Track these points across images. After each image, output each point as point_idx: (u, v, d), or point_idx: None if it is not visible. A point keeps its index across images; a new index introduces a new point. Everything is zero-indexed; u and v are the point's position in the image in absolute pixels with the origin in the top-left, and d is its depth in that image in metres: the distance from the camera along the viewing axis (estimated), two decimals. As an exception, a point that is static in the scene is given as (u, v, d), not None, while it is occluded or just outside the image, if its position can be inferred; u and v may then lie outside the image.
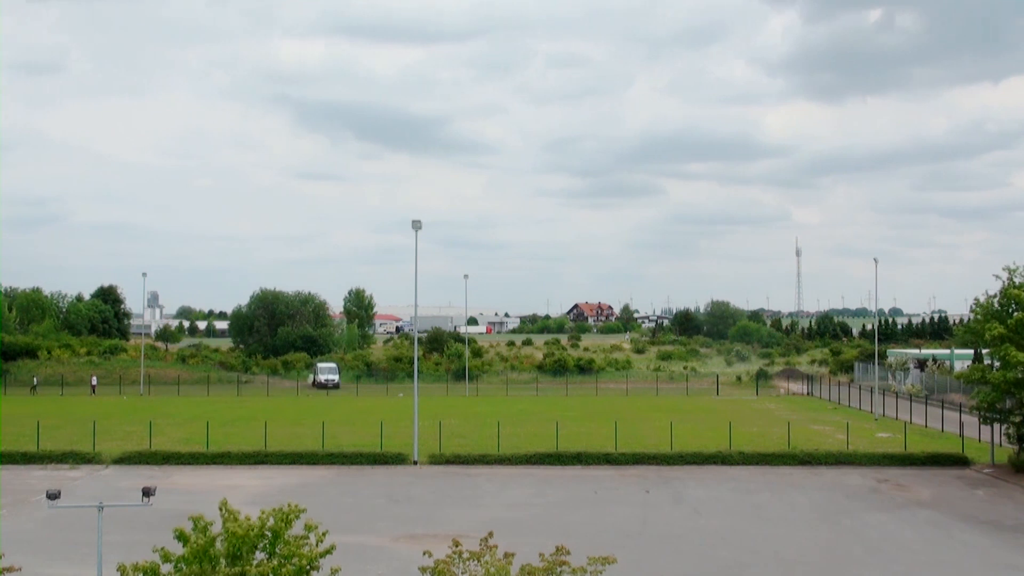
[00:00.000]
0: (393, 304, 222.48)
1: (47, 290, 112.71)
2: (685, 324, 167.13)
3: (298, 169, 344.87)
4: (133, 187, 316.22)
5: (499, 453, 38.63)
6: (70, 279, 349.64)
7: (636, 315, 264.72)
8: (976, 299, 39.10)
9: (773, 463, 37.58)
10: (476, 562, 14.07)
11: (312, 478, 34.71)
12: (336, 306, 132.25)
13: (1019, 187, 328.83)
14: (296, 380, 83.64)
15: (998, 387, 35.70)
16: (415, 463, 37.62)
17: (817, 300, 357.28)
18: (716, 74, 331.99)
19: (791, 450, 39.19)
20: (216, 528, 13.33)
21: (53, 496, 15.60)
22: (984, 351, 44.28)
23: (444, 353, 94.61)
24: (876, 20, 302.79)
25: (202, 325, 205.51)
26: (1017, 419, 36.25)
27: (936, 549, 24.71)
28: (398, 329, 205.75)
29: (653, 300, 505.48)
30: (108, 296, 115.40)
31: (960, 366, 71.11)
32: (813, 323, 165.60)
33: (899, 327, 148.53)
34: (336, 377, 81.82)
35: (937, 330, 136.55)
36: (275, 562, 13.07)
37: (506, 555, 14.33)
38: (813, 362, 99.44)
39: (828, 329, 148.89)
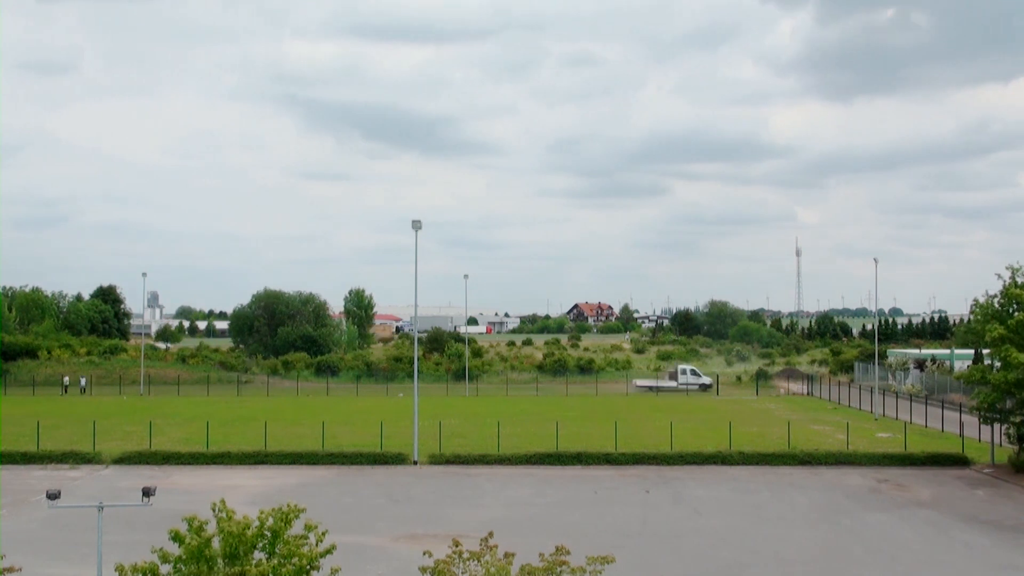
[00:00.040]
0: (393, 304, 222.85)
1: (47, 290, 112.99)
2: (685, 324, 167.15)
3: (303, 169, 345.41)
4: (139, 187, 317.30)
5: (499, 453, 38.63)
6: (74, 279, 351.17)
7: (636, 315, 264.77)
8: (976, 299, 39.13)
9: (773, 463, 37.58)
10: (476, 562, 14.07)
11: (312, 478, 34.71)
12: (336, 306, 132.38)
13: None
14: (296, 380, 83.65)
15: (998, 387, 35.68)
16: (415, 463, 37.62)
17: (817, 300, 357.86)
18: (725, 75, 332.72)
19: (791, 450, 39.19)
20: (211, 528, 13.33)
21: (53, 496, 15.61)
22: (984, 351, 44.31)
23: (444, 353, 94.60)
24: (886, 20, 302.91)
25: (202, 325, 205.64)
26: (1017, 419, 36.24)
27: (936, 549, 24.71)
28: (398, 329, 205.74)
29: (653, 300, 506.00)
30: (108, 296, 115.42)
31: (960, 366, 71.15)
32: (813, 323, 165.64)
33: (899, 327, 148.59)
34: None
35: (937, 330, 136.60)
36: (275, 562, 13.08)
37: (506, 555, 14.34)
38: (813, 362, 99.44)
39: (828, 329, 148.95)
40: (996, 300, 37.64)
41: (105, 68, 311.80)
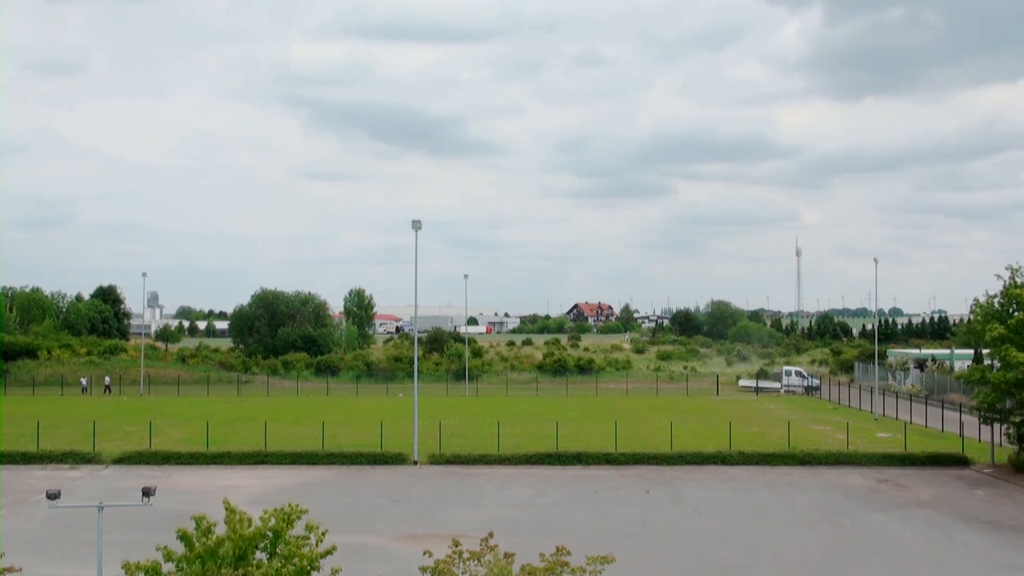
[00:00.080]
0: (393, 304, 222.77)
1: (47, 290, 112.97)
2: (685, 324, 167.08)
3: (307, 169, 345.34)
4: (142, 188, 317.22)
5: (499, 453, 38.63)
6: (74, 279, 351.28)
7: (636, 315, 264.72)
8: (976, 299, 39.10)
9: (773, 463, 37.59)
10: (477, 562, 14.07)
11: (312, 478, 34.72)
12: (336, 306, 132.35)
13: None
14: (296, 380, 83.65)
15: (998, 387, 35.68)
16: (415, 463, 37.62)
17: (817, 300, 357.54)
18: (732, 75, 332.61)
19: (791, 450, 39.19)
20: (220, 528, 13.31)
21: (53, 496, 15.61)
22: (984, 351, 44.28)
23: (444, 353, 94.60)
24: (894, 21, 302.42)
25: (202, 325, 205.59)
26: (1017, 419, 36.24)
27: (936, 549, 24.71)
28: (398, 329, 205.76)
29: (653, 300, 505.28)
30: (108, 296, 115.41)
31: (960, 366, 71.15)
32: (813, 323, 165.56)
33: (899, 327, 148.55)
34: None
35: (937, 330, 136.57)
36: (277, 563, 13.06)
37: (507, 555, 14.33)
38: (813, 362, 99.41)
39: (828, 329, 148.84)
40: (996, 300, 37.64)
41: (112, 68, 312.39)
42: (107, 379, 76.90)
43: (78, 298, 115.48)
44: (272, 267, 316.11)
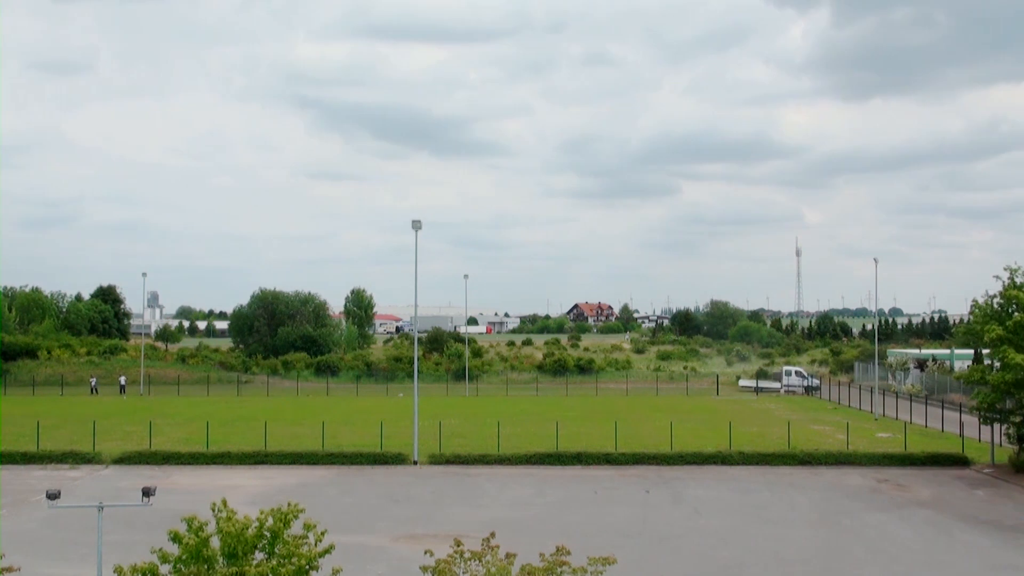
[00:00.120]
0: (393, 304, 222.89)
1: (46, 290, 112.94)
2: (685, 324, 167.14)
3: (311, 169, 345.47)
4: (145, 188, 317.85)
5: (499, 453, 38.63)
6: (75, 279, 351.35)
7: (636, 315, 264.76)
8: (975, 300, 39.11)
9: (773, 463, 37.58)
10: (477, 562, 14.07)
11: (312, 478, 34.71)
12: (337, 306, 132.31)
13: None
14: (296, 380, 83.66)
15: (998, 388, 35.69)
16: (415, 463, 37.62)
17: (817, 300, 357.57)
18: (738, 76, 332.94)
19: (791, 450, 39.18)
20: (212, 528, 13.33)
21: (53, 496, 15.60)
22: (984, 352, 44.29)
23: (444, 353, 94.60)
24: (901, 21, 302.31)
25: (202, 325, 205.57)
26: (1017, 419, 36.24)
27: (936, 549, 24.71)
28: (398, 329, 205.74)
29: (653, 300, 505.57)
30: (108, 296, 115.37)
31: (960, 366, 71.15)
32: (813, 323, 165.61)
33: (899, 327, 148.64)
34: None
35: (937, 330, 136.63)
36: (274, 562, 13.07)
37: (507, 555, 14.33)
38: (813, 362, 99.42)
39: (828, 329, 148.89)
40: (995, 301, 37.64)
41: (118, 68, 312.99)
42: (123, 379, 76.59)
43: (78, 298, 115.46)
44: (273, 267, 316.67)
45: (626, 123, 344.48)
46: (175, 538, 13.19)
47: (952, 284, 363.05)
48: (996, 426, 37.90)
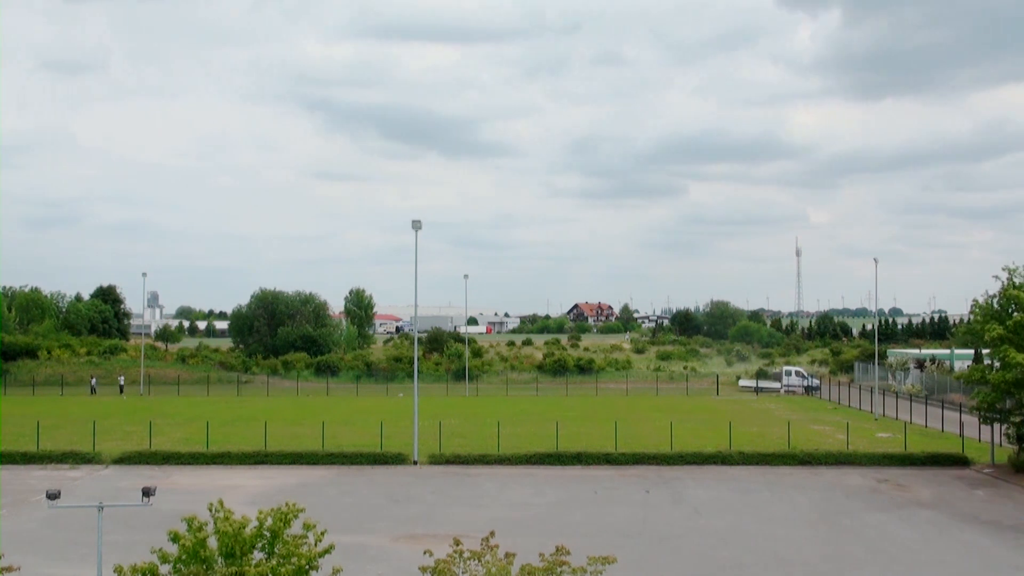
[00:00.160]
0: (393, 304, 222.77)
1: (46, 290, 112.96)
2: (685, 324, 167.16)
3: (318, 169, 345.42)
4: (147, 188, 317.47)
5: (499, 453, 38.62)
6: (75, 279, 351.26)
7: (636, 315, 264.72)
8: (975, 300, 39.11)
9: (773, 463, 37.58)
10: (477, 562, 14.07)
11: (312, 478, 34.71)
12: (337, 306, 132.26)
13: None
14: (296, 380, 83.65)
15: (998, 387, 35.69)
16: (415, 463, 37.62)
17: (817, 300, 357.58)
18: (747, 77, 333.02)
19: (791, 450, 39.18)
20: (211, 528, 13.34)
21: (53, 496, 15.60)
22: (984, 351, 44.29)
23: (444, 353, 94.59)
24: (911, 21, 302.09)
25: (202, 325, 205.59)
26: (1017, 419, 36.24)
27: (936, 549, 24.71)
28: (398, 329, 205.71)
29: (653, 300, 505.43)
30: (108, 296, 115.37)
31: (960, 366, 71.17)
32: (813, 323, 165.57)
33: (899, 327, 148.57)
34: None
35: (937, 330, 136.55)
36: (273, 562, 13.08)
37: (507, 555, 14.34)
38: (813, 362, 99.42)
39: (828, 329, 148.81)
40: (995, 301, 37.65)
41: (130, 69, 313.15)
42: (121, 379, 76.63)
43: (78, 298, 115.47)
44: (273, 267, 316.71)
45: (634, 123, 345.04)
46: (174, 538, 13.21)
47: (952, 284, 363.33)
48: (996, 426, 37.90)
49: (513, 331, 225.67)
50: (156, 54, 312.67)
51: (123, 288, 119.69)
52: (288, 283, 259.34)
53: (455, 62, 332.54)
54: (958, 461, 37.86)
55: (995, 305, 37.51)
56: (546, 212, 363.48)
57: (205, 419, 47.33)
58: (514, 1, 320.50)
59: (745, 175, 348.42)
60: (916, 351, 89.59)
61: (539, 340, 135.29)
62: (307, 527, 13.81)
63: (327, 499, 30.32)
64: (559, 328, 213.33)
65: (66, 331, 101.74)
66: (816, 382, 77.37)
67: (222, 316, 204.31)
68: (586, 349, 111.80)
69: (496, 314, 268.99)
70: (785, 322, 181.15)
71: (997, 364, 37.16)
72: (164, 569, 13.25)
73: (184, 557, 12.96)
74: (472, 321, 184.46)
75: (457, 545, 14.46)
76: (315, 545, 13.60)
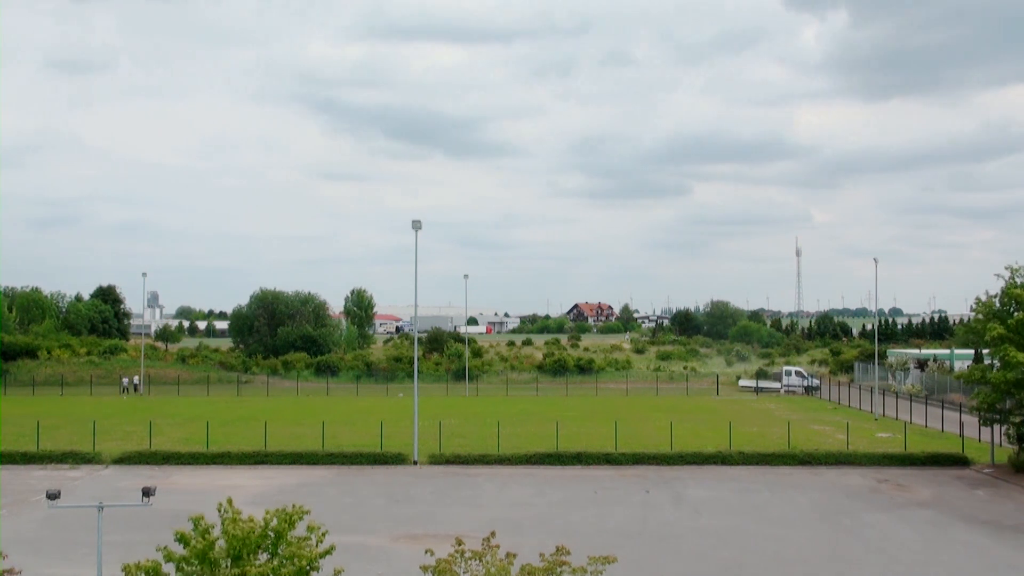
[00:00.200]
0: (393, 304, 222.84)
1: (46, 290, 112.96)
2: (685, 324, 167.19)
3: (322, 170, 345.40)
4: (148, 188, 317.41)
5: (499, 453, 38.63)
6: (76, 279, 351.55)
7: (636, 315, 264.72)
8: (977, 299, 39.08)
9: (773, 463, 37.58)
10: (478, 561, 14.07)
11: (312, 478, 34.71)
12: (337, 306, 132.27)
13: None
14: (296, 380, 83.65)
15: (998, 387, 35.69)
16: (415, 463, 37.62)
17: (817, 300, 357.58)
18: (753, 77, 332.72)
19: (791, 450, 39.19)
20: (217, 530, 13.34)
21: (53, 496, 15.61)
22: (984, 351, 44.27)
23: (444, 353, 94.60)
24: (917, 22, 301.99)
25: (202, 325, 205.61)
26: (1017, 419, 36.25)
27: (936, 549, 24.71)
28: (398, 329, 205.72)
29: (653, 300, 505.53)
30: (108, 296, 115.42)
31: (960, 366, 71.16)
32: (813, 323, 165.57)
33: (899, 327, 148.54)
34: None
35: (937, 330, 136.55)
36: (275, 562, 13.10)
37: (508, 555, 14.34)
38: (813, 362, 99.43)
39: (828, 329, 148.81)
40: (996, 300, 37.64)
41: (137, 69, 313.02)
42: (125, 380, 76.49)
43: (78, 298, 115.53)
44: (273, 267, 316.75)
45: (639, 124, 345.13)
46: (181, 539, 13.20)
47: (952, 284, 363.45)
48: (996, 426, 37.89)
49: (513, 331, 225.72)
50: (162, 54, 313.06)
51: (123, 288, 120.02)
52: (288, 283, 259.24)
53: (461, 62, 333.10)
54: (958, 461, 37.86)
55: (996, 304, 37.50)
56: (548, 212, 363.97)
57: (205, 419, 47.34)
58: (523, 1, 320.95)
59: (748, 175, 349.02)
60: (916, 351, 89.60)
61: (539, 340, 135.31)
62: (311, 529, 13.84)
63: (327, 499, 30.32)
64: (559, 328, 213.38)
65: (66, 331, 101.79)
66: (816, 382, 77.39)
67: (222, 316, 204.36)
68: (586, 349, 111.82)
69: (496, 314, 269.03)
70: (785, 322, 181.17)
71: (997, 364, 37.15)
72: (167, 568, 13.25)
73: (191, 557, 12.96)
74: (472, 321, 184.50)
75: (460, 544, 14.46)
76: (316, 546, 13.61)
